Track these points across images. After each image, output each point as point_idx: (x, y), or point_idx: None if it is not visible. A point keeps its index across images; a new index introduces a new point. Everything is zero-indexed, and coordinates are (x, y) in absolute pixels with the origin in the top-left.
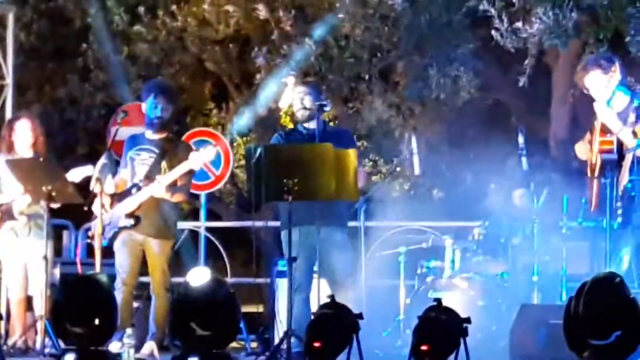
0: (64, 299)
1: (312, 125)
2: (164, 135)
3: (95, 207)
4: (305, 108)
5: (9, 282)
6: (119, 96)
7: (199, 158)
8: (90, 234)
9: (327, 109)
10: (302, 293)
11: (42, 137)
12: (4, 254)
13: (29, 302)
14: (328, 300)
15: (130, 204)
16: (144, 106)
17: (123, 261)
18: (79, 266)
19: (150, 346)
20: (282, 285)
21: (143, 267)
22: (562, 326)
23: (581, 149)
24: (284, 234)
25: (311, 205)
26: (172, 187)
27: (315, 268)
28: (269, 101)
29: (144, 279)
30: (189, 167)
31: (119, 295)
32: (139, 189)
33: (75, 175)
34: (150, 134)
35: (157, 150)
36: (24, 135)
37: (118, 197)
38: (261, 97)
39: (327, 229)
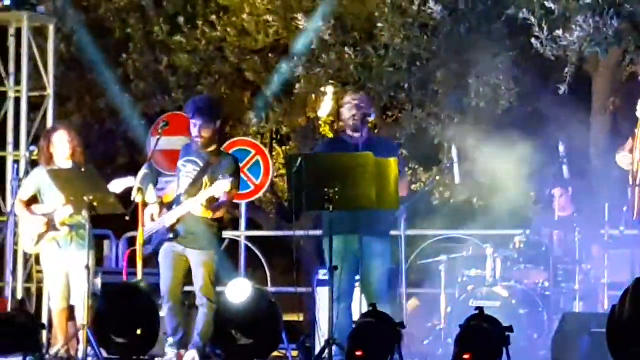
0: (106, 309)
1: (356, 134)
2: (211, 148)
3: (145, 217)
4: (354, 118)
5: (51, 292)
6: (159, 106)
7: (221, 187)
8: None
9: (370, 118)
10: (344, 302)
11: (79, 148)
12: (47, 264)
13: (71, 312)
14: (370, 309)
15: (170, 217)
16: (190, 127)
17: (165, 273)
18: (124, 275)
19: (191, 354)
20: (323, 294)
21: (189, 277)
22: (605, 334)
23: (623, 158)
24: (325, 243)
25: (353, 214)
26: (212, 203)
27: (358, 277)
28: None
29: (190, 288)
30: (211, 193)
31: (166, 306)
32: (179, 203)
33: (117, 186)
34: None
35: (201, 164)
36: (62, 147)
37: (167, 206)
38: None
39: (368, 239)
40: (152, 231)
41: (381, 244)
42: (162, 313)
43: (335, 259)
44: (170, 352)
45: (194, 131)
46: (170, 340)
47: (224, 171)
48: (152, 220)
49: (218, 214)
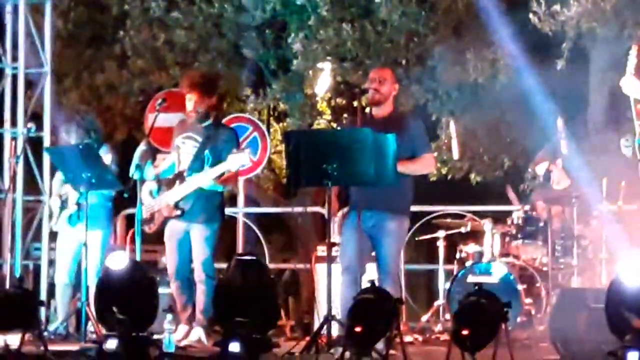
0: (104, 286)
1: (375, 108)
2: (207, 122)
3: (143, 194)
4: (368, 93)
5: (57, 266)
6: (156, 83)
7: (237, 160)
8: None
9: (382, 92)
10: (350, 275)
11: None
12: (59, 241)
13: (74, 289)
14: (369, 284)
15: (175, 194)
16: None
17: (171, 252)
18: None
19: (197, 332)
20: (321, 271)
21: None
22: (603, 310)
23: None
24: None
25: (370, 191)
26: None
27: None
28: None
29: None
30: (226, 168)
31: (174, 284)
32: (183, 180)
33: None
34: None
35: (199, 139)
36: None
37: (166, 183)
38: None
39: (382, 216)
40: (152, 209)
41: (396, 222)
42: (170, 290)
43: (348, 232)
44: (182, 329)
45: (189, 105)
46: (169, 316)
47: (224, 144)
48: (151, 196)
49: (228, 185)
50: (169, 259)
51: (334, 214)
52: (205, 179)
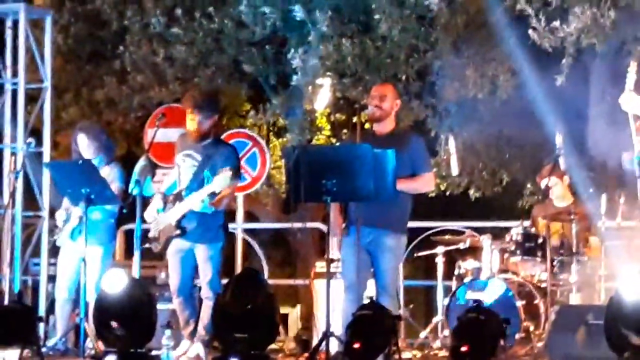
0: (103, 302)
1: (376, 125)
2: (208, 141)
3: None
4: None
5: (58, 281)
6: (156, 98)
7: (221, 181)
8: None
9: (382, 109)
10: (353, 293)
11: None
12: (61, 256)
13: (74, 305)
14: (367, 301)
15: (172, 214)
16: (186, 121)
17: (174, 270)
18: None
19: (197, 348)
20: (320, 287)
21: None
22: (602, 326)
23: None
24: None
25: (371, 207)
26: (213, 197)
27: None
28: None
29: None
30: (210, 190)
31: (176, 300)
32: (181, 199)
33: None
34: None
35: (199, 158)
36: (83, 149)
37: (172, 200)
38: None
39: (381, 232)
40: (158, 229)
41: (394, 238)
42: (168, 305)
43: (350, 250)
44: (184, 344)
45: (191, 125)
46: (168, 332)
47: (223, 163)
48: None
49: (221, 206)
50: (172, 275)
51: (337, 229)
52: (195, 201)
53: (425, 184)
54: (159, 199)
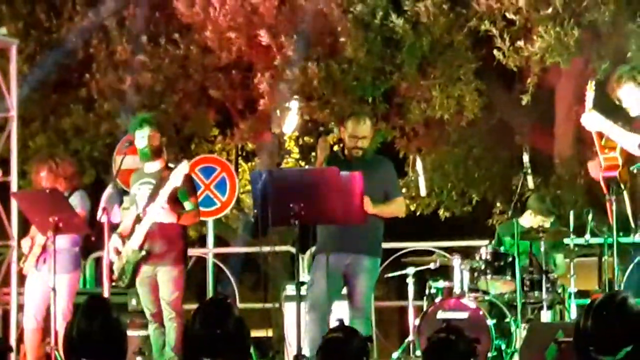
0: (72, 331)
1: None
2: (161, 165)
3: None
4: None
5: (25, 311)
6: (123, 125)
7: (178, 173)
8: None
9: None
10: (316, 312)
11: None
12: (27, 284)
13: (43, 334)
14: (337, 323)
15: (136, 237)
16: (136, 142)
17: (145, 298)
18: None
19: None
20: (291, 310)
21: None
22: (572, 343)
23: (592, 168)
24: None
25: (347, 231)
26: (176, 210)
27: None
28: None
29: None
30: (173, 185)
31: (152, 326)
32: (140, 220)
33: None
34: (148, 167)
35: (154, 182)
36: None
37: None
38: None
39: (358, 256)
40: (121, 263)
41: (370, 260)
42: (139, 332)
43: (319, 272)
44: None
45: (142, 142)
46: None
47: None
48: (118, 252)
49: (183, 221)
50: (145, 303)
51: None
52: (157, 207)
53: (399, 208)
54: (117, 239)
